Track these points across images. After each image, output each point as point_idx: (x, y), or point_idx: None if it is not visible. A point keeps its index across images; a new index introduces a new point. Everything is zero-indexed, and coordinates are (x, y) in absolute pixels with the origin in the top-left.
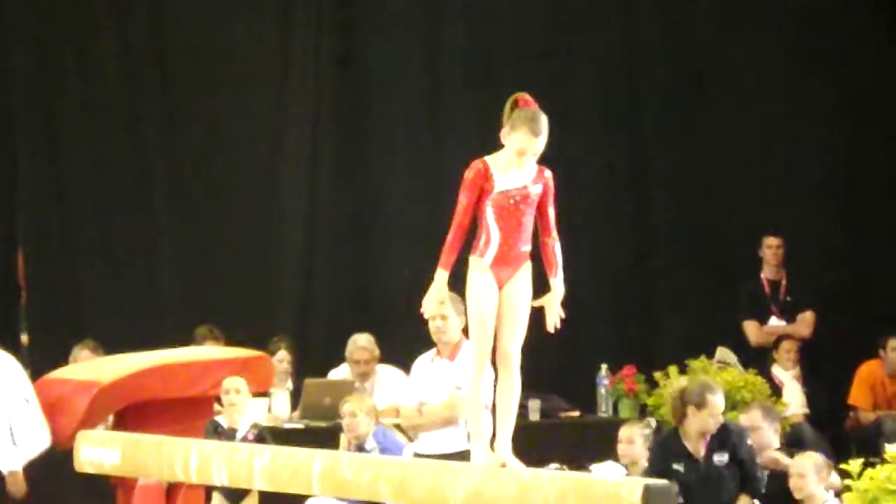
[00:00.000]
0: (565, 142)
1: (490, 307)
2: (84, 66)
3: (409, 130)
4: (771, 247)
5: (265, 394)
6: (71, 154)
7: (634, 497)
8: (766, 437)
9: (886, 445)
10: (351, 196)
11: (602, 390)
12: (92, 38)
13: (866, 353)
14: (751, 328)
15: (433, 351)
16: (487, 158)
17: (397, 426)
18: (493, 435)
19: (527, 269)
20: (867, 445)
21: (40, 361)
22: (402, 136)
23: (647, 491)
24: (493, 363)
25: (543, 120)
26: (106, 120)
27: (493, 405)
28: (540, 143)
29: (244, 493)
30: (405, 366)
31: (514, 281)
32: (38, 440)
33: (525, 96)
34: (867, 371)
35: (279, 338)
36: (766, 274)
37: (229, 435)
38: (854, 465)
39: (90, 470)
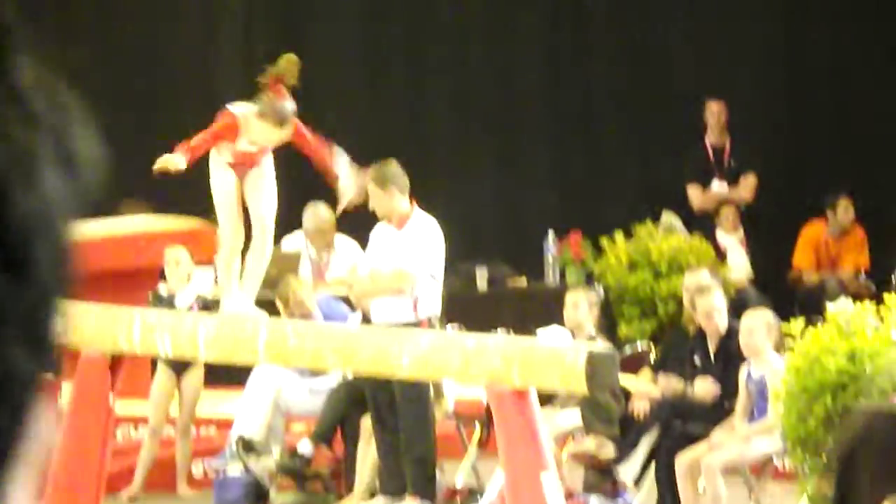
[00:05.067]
0: (507, 11)
1: (231, 196)
2: None
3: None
4: (714, 112)
5: (211, 265)
6: None
7: (579, 363)
8: (716, 298)
9: (829, 306)
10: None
11: (549, 257)
12: None
13: (810, 216)
14: (694, 193)
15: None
16: (238, 112)
17: (346, 299)
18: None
19: (267, 159)
20: (811, 306)
21: None
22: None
23: (592, 356)
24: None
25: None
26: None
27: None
28: (283, 134)
29: (189, 364)
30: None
31: (256, 170)
32: None
33: (279, 87)
34: (811, 232)
35: None
36: (710, 139)
37: (172, 305)
38: (796, 325)
39: None
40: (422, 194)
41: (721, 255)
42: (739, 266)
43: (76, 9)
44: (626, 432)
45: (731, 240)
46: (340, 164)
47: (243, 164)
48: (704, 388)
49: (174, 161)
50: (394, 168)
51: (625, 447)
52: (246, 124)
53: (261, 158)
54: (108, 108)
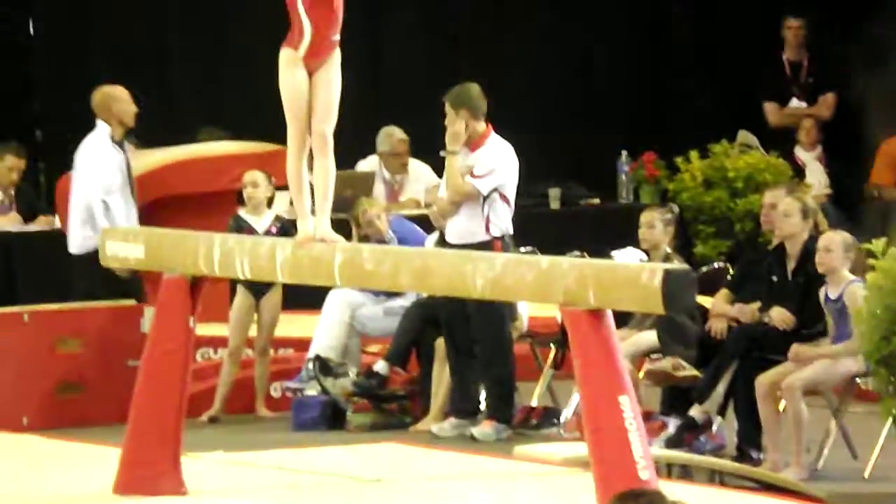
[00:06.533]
0: None
1: (302, 94)
2: None
3: None
4: (792, 28)
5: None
6: None
7: (655, 282)
8: (795, 216)
9: None
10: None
11: (623, 177)
12: None
13: (888, 133)
14: (771, 110)
15: None
16: None
17: (419, 220)
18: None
19: (336, 56)
20: (890, 223)
21: (55, 157)
22: None
23: (668, 275)
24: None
25: None
26: None
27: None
28: None
29: (268, 286)
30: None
31: (325, 68)
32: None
33: None
34: (889, 148)
35: None
36: (788, 55)
37: (251, 229)
38: (878, 244)
39: (115, 265)
40: (494, 115)
41: (800, 173)
42: (818, 182)
43: None
44: (704, 353)
45: (810, 156)
46: None
47: (313, 57)
48: (781, 315)
49: None
50: (469, 91)
51: (704, 383)
52: None
53: (331, 51)
54: (183, 35)
